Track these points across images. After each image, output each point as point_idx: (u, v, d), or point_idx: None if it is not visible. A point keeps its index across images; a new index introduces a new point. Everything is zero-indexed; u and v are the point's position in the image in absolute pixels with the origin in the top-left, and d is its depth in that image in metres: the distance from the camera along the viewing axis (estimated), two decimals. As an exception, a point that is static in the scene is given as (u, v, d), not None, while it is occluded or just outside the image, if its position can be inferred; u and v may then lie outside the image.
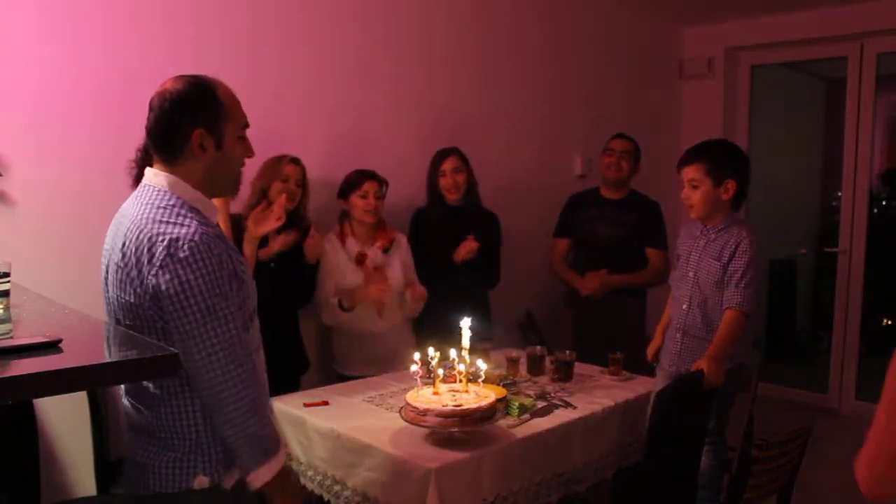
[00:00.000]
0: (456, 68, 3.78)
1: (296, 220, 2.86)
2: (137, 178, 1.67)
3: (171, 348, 1.19)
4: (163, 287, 1.43)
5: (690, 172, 2.59)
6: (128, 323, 1.51)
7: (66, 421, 2.57)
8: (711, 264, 2.57)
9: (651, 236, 3.73)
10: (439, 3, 3.67)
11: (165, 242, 1.44)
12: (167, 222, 1.48)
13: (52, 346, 1.14)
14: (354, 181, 3.03)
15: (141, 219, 1.50)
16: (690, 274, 2.64)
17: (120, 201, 2.56)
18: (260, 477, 1.53)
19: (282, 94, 3.14)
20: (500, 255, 3.48)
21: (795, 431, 2.12)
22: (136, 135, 2.61)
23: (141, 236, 1.47)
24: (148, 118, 1.57)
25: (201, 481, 1.53)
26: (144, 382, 1.53)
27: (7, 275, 1.37)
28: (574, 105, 4.44)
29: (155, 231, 1.47)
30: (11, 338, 1.21)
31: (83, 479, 2.59)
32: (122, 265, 1.50)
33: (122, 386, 1.63)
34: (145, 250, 1.46)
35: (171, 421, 1.53)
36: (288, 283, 2.85)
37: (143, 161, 1.68)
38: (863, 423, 1.19)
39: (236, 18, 2.96)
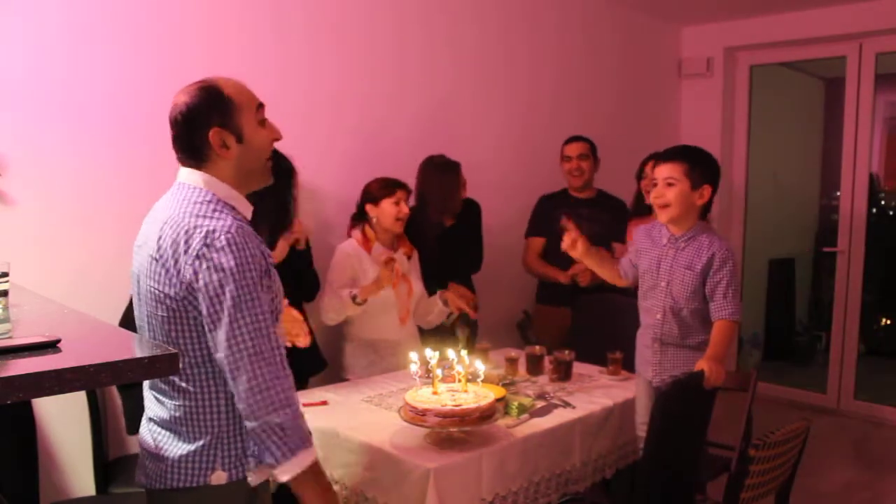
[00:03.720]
0: (455, 68, 3.77)
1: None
2: None
3: (171, 348, 1.18)
4: (198, 276, 1.47)
5: (668, 170, 2.53)
6: (161, 314, 1.52)
7: (65, 421, 2.57)
8: (685, 274, 2.54)
9: (620, 234, 3.78)
10: (441, 4, 3.67)
11: (202, 234, 1.48)
12: (203, 216, 1.51)
13: (50, 346, 1.14)
14: (387, 188, 2.96)
15: (178, 214, 1.53)
16: (663, 284, 2.60)
17: (119, 200, 2.60)
18: (287, 471, 1.50)
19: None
20: (482, 238, 3.52)
21: (794, 431, 2.12)
22: (137, 135, 2.65)
23: (178, 229, 1.51)
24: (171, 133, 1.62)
25: (219, 476, 1.54)
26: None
27: (6, 274, 1.37)
28: (573, 104, 4.44)
29: (192, 224, 1.50)
30: (10, 337, 1.20)
31: (82, 479, 2.60)
32: (157, 257, 1.52)
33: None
34: (182, 242, 1.49)
35: (194, 414, 1.54)
36: (289, 276, 2.77)
37: None
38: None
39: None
